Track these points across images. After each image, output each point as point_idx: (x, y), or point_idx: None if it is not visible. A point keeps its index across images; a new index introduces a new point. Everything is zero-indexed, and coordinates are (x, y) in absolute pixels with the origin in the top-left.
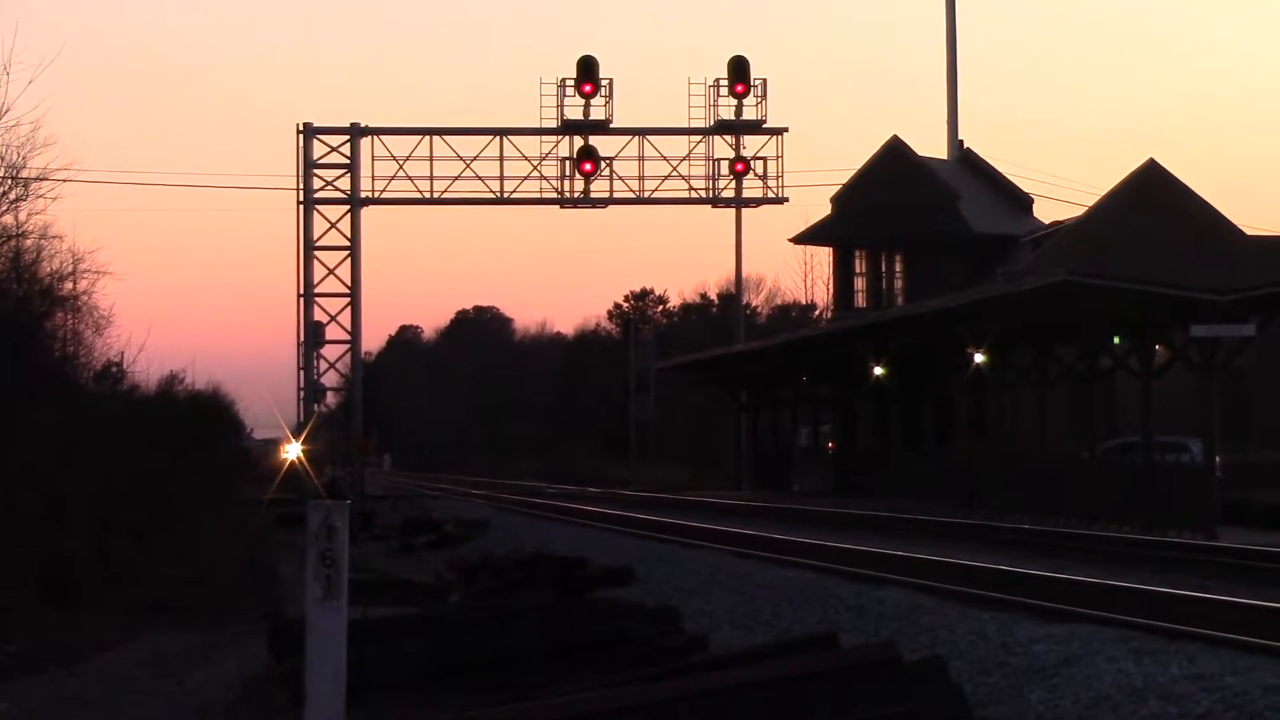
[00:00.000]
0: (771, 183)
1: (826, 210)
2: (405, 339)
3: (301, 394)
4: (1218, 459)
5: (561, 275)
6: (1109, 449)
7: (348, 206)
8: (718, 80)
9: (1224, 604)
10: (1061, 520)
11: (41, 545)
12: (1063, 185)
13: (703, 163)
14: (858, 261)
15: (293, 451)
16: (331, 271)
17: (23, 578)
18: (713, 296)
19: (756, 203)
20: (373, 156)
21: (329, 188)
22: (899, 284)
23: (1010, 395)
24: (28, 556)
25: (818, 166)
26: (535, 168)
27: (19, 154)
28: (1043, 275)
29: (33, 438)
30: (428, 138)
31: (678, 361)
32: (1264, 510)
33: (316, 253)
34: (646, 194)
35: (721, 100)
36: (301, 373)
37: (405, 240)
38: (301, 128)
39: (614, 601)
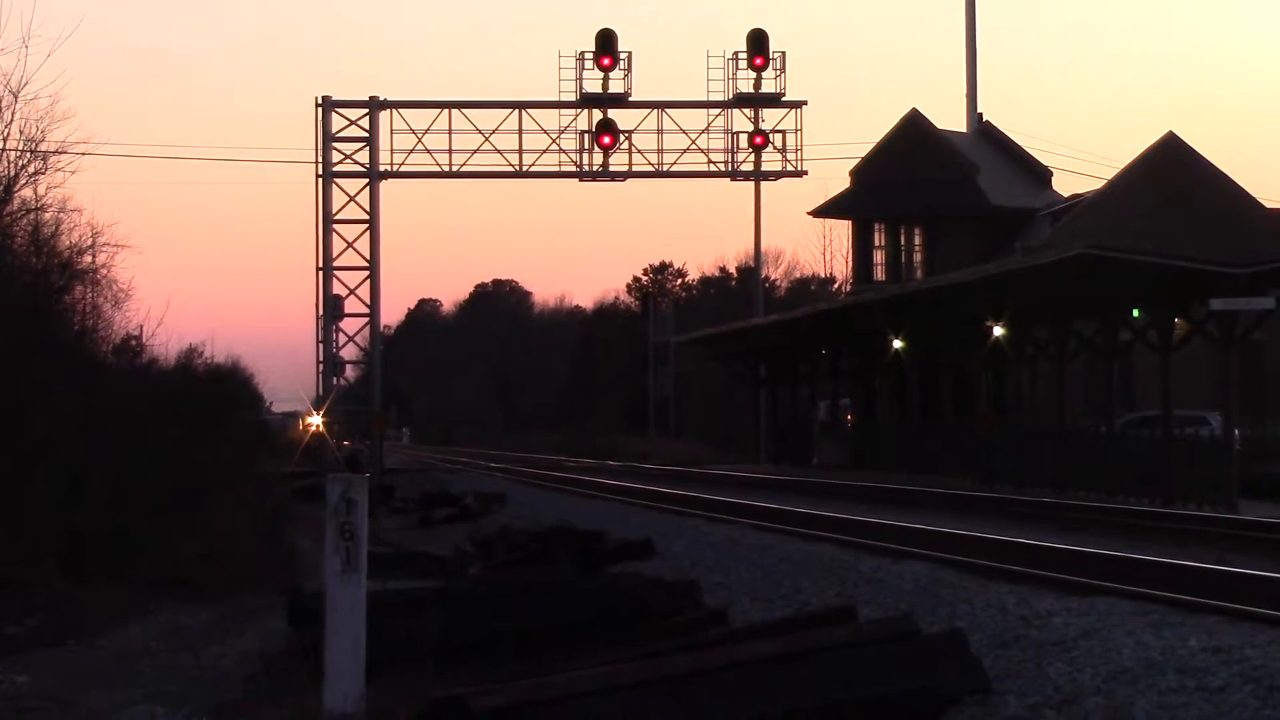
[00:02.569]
0: (790, 156)
1: (845, 184)
2: (424, 312)
3: (320, 368)
4: (1237, 432)
5: (580, 249)
6: (1127, 422)
7: (367, 180)
8: (736, 53)
9: (1244, 577)
10: (1081, 494)
11: (60, 519)
12: (1082, 158)
13: (721, 136)
14: (877, 235)
15: (313, 425)
16: (350, 245)
17: (41, 551)
18: (731, 270)
19: (775, 176)
20: (391, 130)
21: (348, 161)
22: (918, 257)
23: (1029, 369)
24: (46, 530)
25: (837, 140)
26: (554, 141)
27: (38, 127)
28: (1062, 248)
29: (51, 412)
30: (446, 111)
31: (696, 335)
32: None
33: (335, 226)
34: (665, 167)
35: (740, 73)
36: (320, 346)
37: (424, 214)
38: (320, 101)
39: (633, 575)
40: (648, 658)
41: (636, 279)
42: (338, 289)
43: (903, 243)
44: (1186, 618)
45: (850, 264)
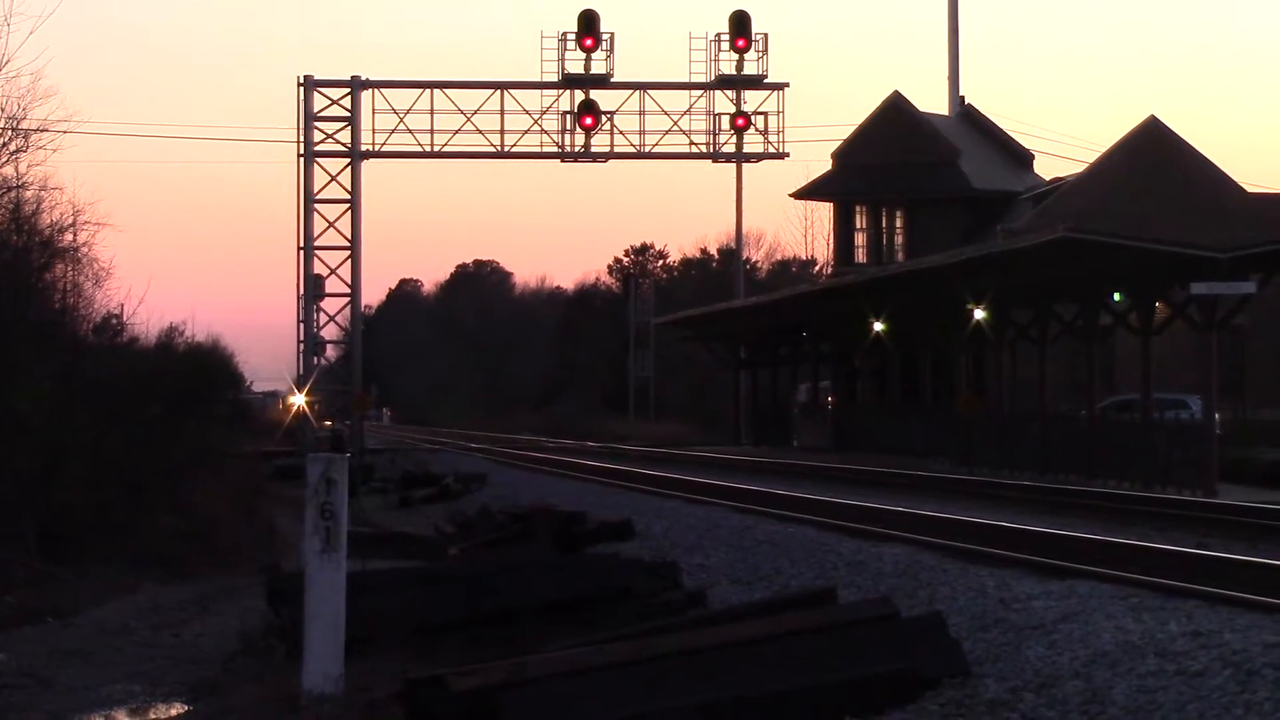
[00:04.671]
0: (772, 138)
1: (827, 166)
2: (405, 292)
3: (301, 347)
4: (1217, 416)
5: (562, 230)
6: (1107, 406)
7: (348, 159)
8: (719, 35)
9: (1223, 561)
10: (1061, 477)
11: (40, 497)
12: (1063, 142)
13: (703, 117)
14: (858, 217)
15: (294, 404)
16: (332, 224)
17: (21, 529)
18: (713, 252)
19: (757, 158)
20: (373, 109)
21: (329, 140)
22: (899, 240)
23: (1010, 352)
24: (26, 508)
25: (819, 121)
26: (536, 121)
27: (19, 105)
28: (1043, 232)
29: (31, 389)
30: (428, 91)
31: (677, 317)
32: (1263, 468)
33: (317, 206)
34: (647, 148)
35: (723, 55)
36: (301, 326)
37: (405, 194)
38: (302, 80)
39: (613, 556)
40: (626, 639)
41: (617, 260)
42: (319, 269)
43: (884, 225)
44: (1166, 601)
45: (831, 246)
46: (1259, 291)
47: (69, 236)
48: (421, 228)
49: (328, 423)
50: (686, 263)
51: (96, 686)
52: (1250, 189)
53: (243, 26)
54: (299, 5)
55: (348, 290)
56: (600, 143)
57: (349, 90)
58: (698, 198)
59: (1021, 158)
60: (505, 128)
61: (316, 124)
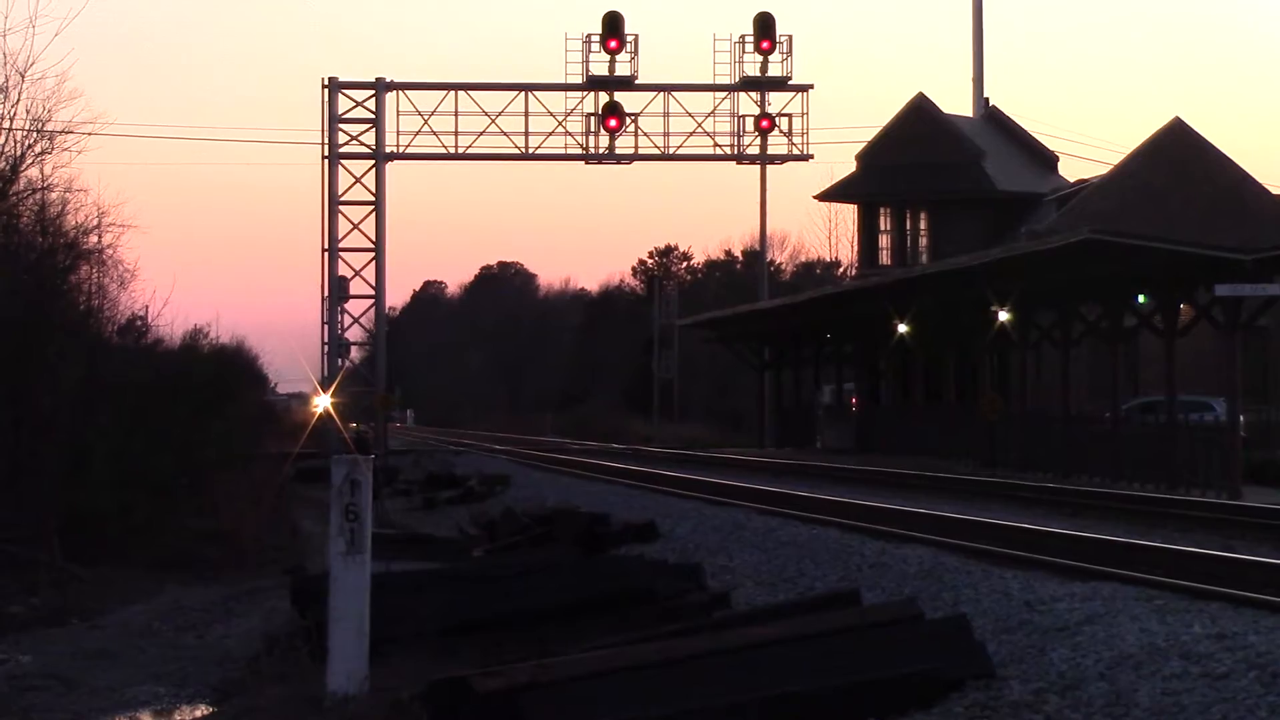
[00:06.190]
0: (796, 139)
1: (851, 167)
2: (429, 294)
3: (325, 349)
4: (1241, 418)
5: (585, 231)
6: (1131, 408)
7: (372, 161)
8: (743, 36)
9: (1248, 563)
10: (1084, 479)
11: (64, 498)
12: (1088, 143)
13: (728, 119)
14: (882, 219)
15: (320, 405)
16: (356, 226)
17: (45, 530)
18: (737, 253)
19: (781, 159)
20: (398, 111)
21: (354, 142)
22: (923, 242)
23: (1034, 354)
24: (50, 509)
25: (843, 123)
26: (560, 123)
27: (45, 107)
28: (1067, 234)
29: (56, 390)
30: (453, 93)
31: (701, 318)
32: None
33: (341, 207)
34: (671, 150)
35: (747, 57)
36: (325, 328)
37: (430, 195)
38: (327, 82)
39: (637, 558)
40: (651, 640)
41: (641, 262)
42: (343, 270)
43: (908, 227)
44: (1190, 604)
45: (856, 248)
46: None
47: (94, 238)
48: (446, 229)
49: (352, 424)
50: (710, 264)
51: (121, 687)
52: (1275, 191)
53: (267, 28)
54: (324, 7)
55: (372, 292)
56: (624, 144)
57: (373, 92)
58: (722, 199)
59: (1046, 159)
60: (529, 129)
61: (341, 126)
